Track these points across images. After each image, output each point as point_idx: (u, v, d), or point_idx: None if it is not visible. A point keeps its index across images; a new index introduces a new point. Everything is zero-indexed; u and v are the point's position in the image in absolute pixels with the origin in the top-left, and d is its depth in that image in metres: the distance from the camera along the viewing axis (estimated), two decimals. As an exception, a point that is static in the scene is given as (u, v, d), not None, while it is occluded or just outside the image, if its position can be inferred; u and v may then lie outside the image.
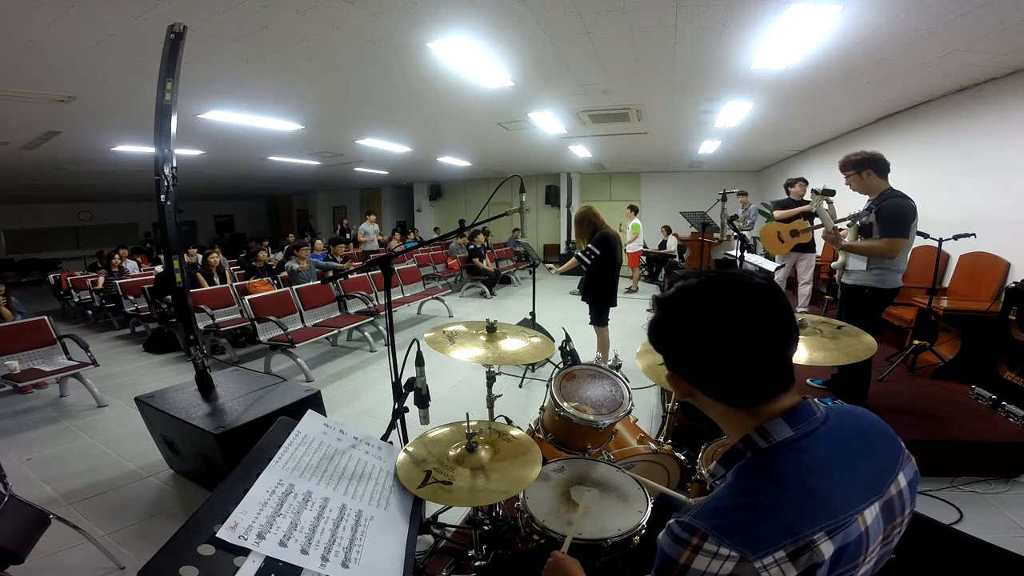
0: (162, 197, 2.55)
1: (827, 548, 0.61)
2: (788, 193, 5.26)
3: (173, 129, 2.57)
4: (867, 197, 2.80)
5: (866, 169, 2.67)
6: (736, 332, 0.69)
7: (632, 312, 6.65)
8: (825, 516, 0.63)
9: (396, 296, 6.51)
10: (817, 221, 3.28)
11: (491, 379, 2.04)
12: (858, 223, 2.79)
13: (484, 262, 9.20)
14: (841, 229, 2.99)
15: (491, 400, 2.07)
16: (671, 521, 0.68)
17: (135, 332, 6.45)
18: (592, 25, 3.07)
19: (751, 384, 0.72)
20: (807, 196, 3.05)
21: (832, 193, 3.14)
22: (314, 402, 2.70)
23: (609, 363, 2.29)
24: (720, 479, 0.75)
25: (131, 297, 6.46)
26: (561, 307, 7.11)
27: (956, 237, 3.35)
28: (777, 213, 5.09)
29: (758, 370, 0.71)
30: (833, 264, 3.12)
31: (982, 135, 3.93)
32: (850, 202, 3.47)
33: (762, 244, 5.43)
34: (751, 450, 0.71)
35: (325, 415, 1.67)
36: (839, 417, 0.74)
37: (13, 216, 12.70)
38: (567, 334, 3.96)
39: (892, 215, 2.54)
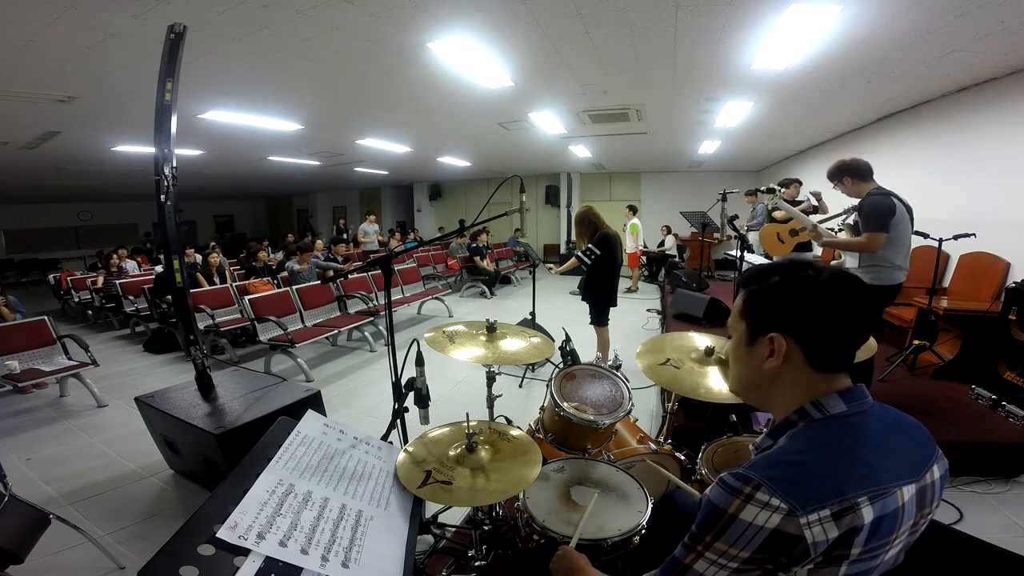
0: (162, 197, 2.55)
1: (868, 513, 0.64)
2: (783, 193, 5.28)
3: (173, 129, 2.57)
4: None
5: (844, 176, 2.79)
6: (856, 301, 0.76)
7: (632, 312, 6.65)
8: (870, 481, 0.67)
9: (396, 296, 6.51)
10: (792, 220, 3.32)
11: (491, 379, 2.04)
12: (849, 222, 2.87)
13: (484, 262, 9.20)
14: (840, 228, 3.02)
15: (491, 400, 2.07)
16: (723, 474, 0.71)
17: (135, 332, 6.45)
18: (592, 25, 3.07)
19: (843, 351, 0.78)
20: (769, 201, 3.11)
21: (773, 191, 3.16)
22: (314, 402, 2.70)
23: (609, 363, 2.29)
24: (764, 450, 0.79)
25: (131, 297, 6.46)
26: (561, 307, 7.11)
27: (956, 237, 3.35)
28: (775, 214, 5.11)
29: (853, 340, 0.78)
30: (833, 263, 3.13)
31: (982, 135, 3.93)
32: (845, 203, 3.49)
33: (766, 247, 5.44)
34: (803, 420, 0.76)
35: (325, 415, 1.67)
36: (883, 409, 0.80)
37: (13, 216, 12.70)
38: (567, 334, 3.97)
39: (869, 211, 2.66)
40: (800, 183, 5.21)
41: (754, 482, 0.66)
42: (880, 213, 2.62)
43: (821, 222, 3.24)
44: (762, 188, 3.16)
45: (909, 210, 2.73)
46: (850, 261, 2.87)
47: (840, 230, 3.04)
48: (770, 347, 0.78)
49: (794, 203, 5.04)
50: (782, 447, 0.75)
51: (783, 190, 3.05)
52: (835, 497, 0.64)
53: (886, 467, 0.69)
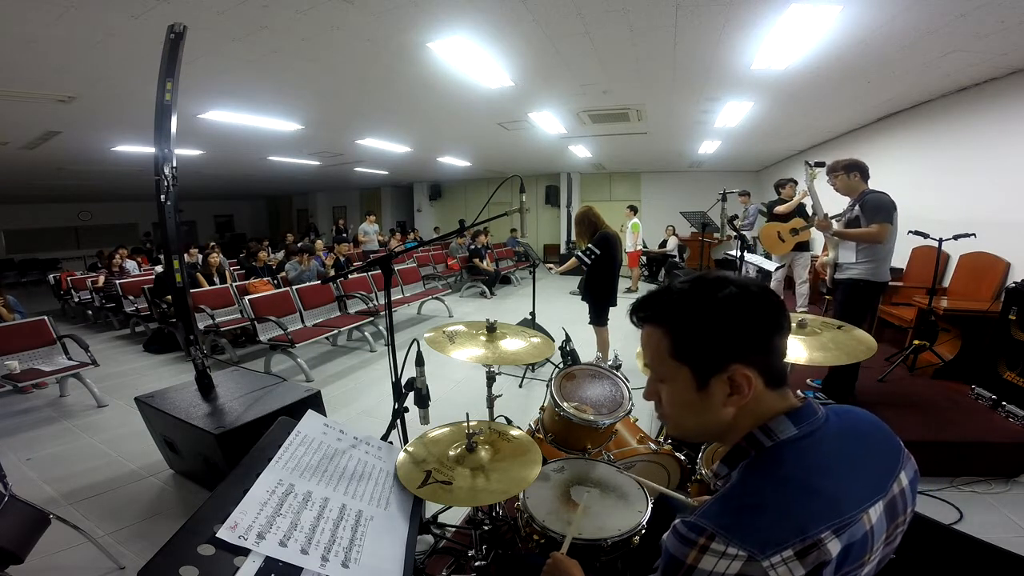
0: (162, 197, 2.55)
1: (834, 547, 0.61)
2: (779, 194, 5.29)
3: (173, 129, 2.57)
4: (847, 199, 3.01)
5: (854, 171, 2.92)
6: (774, 310, 0.71)
7: (632, 312, 6.64)
8: (831, 515, 0.63)
9: (396, 296, 6.51)
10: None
11: (491, 379, 2.04)
12: (845, 219, 2.96)
13: (484, 262, 9.20)
14: (835, 217, 3.07)
15: (491, 400, 2.07)
16: (676, 521, 0.67)
17: (135, 332, 6.45)
18: (592, 25, 3.07)
19: (782, 364, 0.74)
20: (801, 183, 3.16)
21: (823, 165, 3.17)
22: (314, 402, 2.70)
23: (609, 363, 2.29)
24: (724, 479, 0.75)
25: (131, 297, 6.46)
26: (561, 307, 7.11)
27: (956, 237, 3.35)
28: (779, 208, 5.11)
29: (783, 350, 0.73)
30: (824, 259, 3.14)
31: (982, 135, 3.93)
32: (840, 204, 3.49)
33: (765, 246, 5.45)
34: (755, 449, 0.71)
35: (325, 415, 1.67)
36: (839, 417, 0.75)
37: (13, 216, 12.70)
38: (567, 334, 3.96)
39: (875, 204, 2.78)
40: (796, 183, 5.21)
41: (707, 532, 0.62)
42: (887, 207, 2.74)
43: (809, 224, 3.28)
44: (810, 162, 3.14)
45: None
46: (846, 257, 2.90)
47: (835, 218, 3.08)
48: (730, 385, 0.70)
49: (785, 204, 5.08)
50: (734, 485, 0.70)
51: (819, 168, 3.07)
52: (796, 536, 0.60)
53: (848, 494, 0.66)
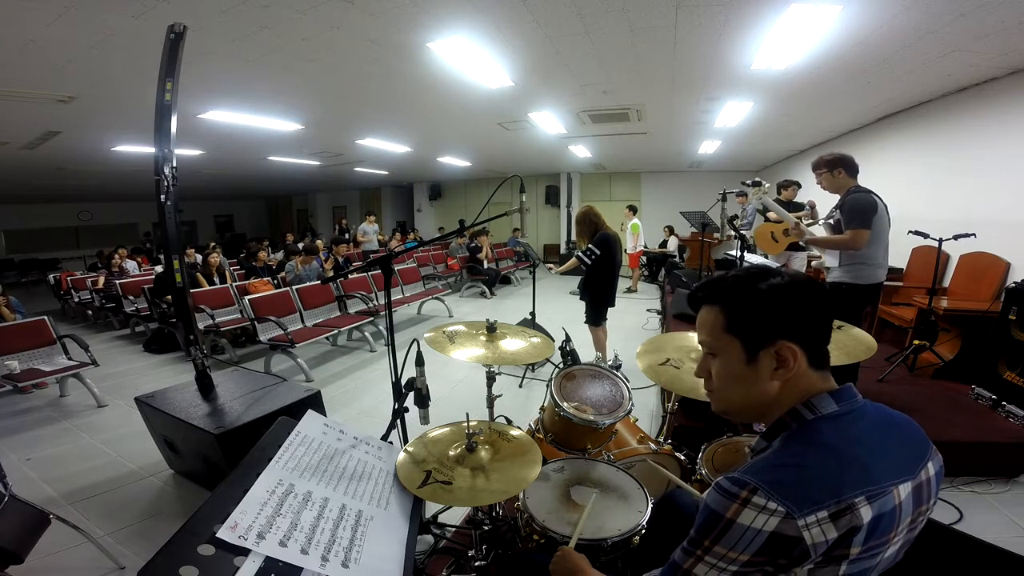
0: (162, 197, 2.55)
1: (866, 513, 0.64)
2: (779, 194, 5.26)
3: (173, 129, 2.57)
4: (839, 197, 2.88)
5: (838, 168, 2.78)
6: (824, 296, 0.80)
7: (632, 312, 6.65)
8: (866, 481, 0.66)
9: (396, 296, 6.51)
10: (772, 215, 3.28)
11: (491, 379, 2.04)
12: (831, 222, 2.88)
13: (482, 252, 9.33)
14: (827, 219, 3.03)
15: (491, 400, 2.07)
16: (719, 479, 0.71)
17: (135, 332, 6.45)
18: (592, 25, 3.07)
19: (827, 346, 0.80)
20: (753, 196, 3.03)
21: (759, 184, 3.13)
22: (314, 402, 2.70)
23: (609, 363, 2.29)
24: (760, 452, 0.79)
25: (131, 297, 6.46)
26: (561, 307, 7.11)
27: (956, 237, 3.35)
28: (770, 215, 5.10)
29: (827, 335, 0.81)
30: (814, 264, 3.13)
31: (982, 135, 3.93)
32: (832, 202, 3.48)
33: (760, 246, 5.44)
34: (796, 421, 0.76)
35: (325, 415, 1.67)
36: (874, 406, 0.80)
37: (13, 216, 12.70)
38: (567, 334, 3.96)
39: (853, 208, 2.65)
40: (799, 185, 5.20)
41: (750, 486, 0.65)
42: (863, 210, 2.62)
43: (809, 225, 3.23)
44: (747, 181, 3.08)
45: (886, 208, 2.74)
46: (829, 260, 2.87)
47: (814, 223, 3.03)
48: (776, 359, 0.76)
49: (790, 204, 5.03)
50: (776, 450, 0.75)
51: (767, 185, 3.01)
52: (832, 498, 0.64)
53: (881, 466, 0.69)
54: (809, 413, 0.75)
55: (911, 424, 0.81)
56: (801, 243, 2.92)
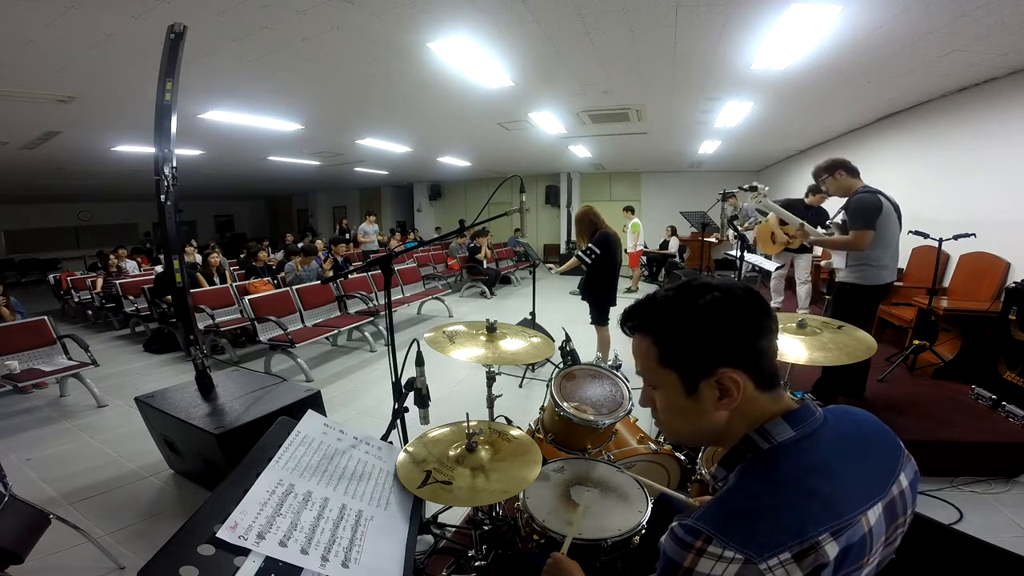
0: (162, 197, 2.55)
1: (832, 549, 0.61)
2: (805, 198, 5.10)
3: (173, 129, 2.57)
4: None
5: (837, 170, 2.81)
6: (758, 313, 0.72)
7: (632, 312, 6.63)
8: (829, 517, 0.63)
9: (396, 296, 6.51)
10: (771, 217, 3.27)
11: (491, 379, 2.04)
12: (838, 222, 2.90)
13: (481, 252, 9.36)
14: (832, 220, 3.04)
15: (491, 400, 2.07)
16: (673, 524, 0.67)
17: (135, 332, 6.45)
18: (592, 25, 3.07)
19: (774, 362, 0.74)
20: (751, 200, 3.02)
21: (755, 189, 3.13)
22: (314, 402, 2.70)
23: (609, 363, 2.29)
24: (722, 481, 0.75)
25: (131, 297, 6.46)
26: (561, 307, 7.11)
27: (956, 237, 3.35)
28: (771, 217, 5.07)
29: (772, 351, 0.74)
30: (824, 263, 3.14)
31: (982, 135, 3.93)
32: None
33: (760, 245, 5.44)
34: (752, 451, 0.71)
35: (325, 415, 1.67)
36: (837, 419, 0.75)
37: (13, 216, 12.69)
38: (567, 334, 3.96)
39: (856, 209, 2.66)
40: (826, 194, 5.03)
41: (704, 535, 0.62)
42: (867, 211, 2.62)
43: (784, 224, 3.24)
44: (743, 186, 3.10)
45: (896, 208, 2.73)
46: (837, 261, 2.88)
47: (829, 231, 3.04)
48: (718, 388, 0.71)
49: (820, 212, 4.82)
50: (731, 488, 0.70)
51: (765, 188, 3.02)
52: (794, 539, 0.60)
53: (845, 494, 0.66)
54: (764, 442, 0.70)
55: (880, 431, 0.77)
56: (805, 243, 2.93)
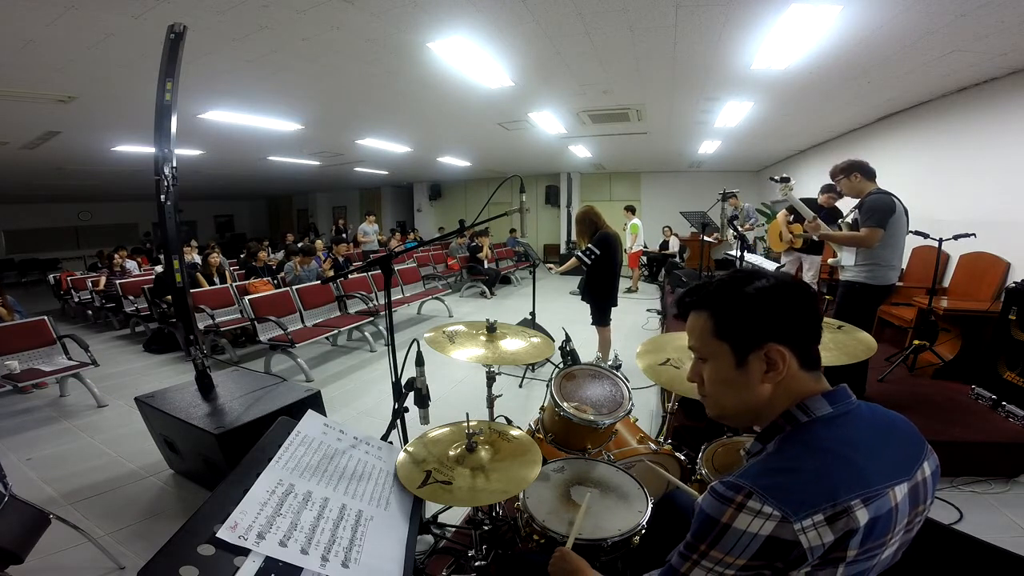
0: (162, 197, 2.55)
1: (863, 516, 0.64)
2: (818, 197, 5.08)
3: (173, 129, 2.57)
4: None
5: (854, 172, 2.85)
6: (809, 297, 0.80)
7: (632, 312, 6.64)
8: (860, 484, 0.66)
9: (396, 296, 6.51)
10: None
11: (491, 379, 2.04)
12: (849, 220, 2.92)
13: (482, 252, 9.36)
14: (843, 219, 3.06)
15: (491, 400, 2.07)
16: (714, 483, 0.70)
17: (135, 332, 6.45)
18: (592, 25, 3.07)
19: (817, 347, 0.81)
20: (780, 191, 3.11)
21: (787, 179, 3.18)
22: (314, 402, 2.70)
23: (609, 363, 2.29)
24: (756, 455, 0.79)
25: (131, 297, 6.46)
26: (561, 307, 7.11)
27: (956, 237, 3.35)
28: (780, 216, 5.09)
29: (817, 335, 0.81)
30: (830, 261, 3.15)
31: (982, 135, 3.93)
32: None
33: (768, 241, 5.44)
34: (791, 424, 0.76)
35: (325, 415, 1.67)
36: (868, 408, 0.80)
37: (13, 216, 12.69)
38: (567, 334, 3.96)
39: (870, 207, 2.71)
40: (837, 195, 5.01)
41: (745, 490, 0.65)
42: (881, 210, 2.66)
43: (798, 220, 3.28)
44: (775, 177, 3.16)
45: (906, 212, 2.77)
46: (846, 259, 2.89)
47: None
48: (766, 361, 0.77)
49: (834, 212, 4.78)
50: (771, 453, 0.75)
51: (793, 182, 3.07)
52: (827, 501, 0.64)
53: (877, 468, 0.69)
54: (803, 415, 0.75)
55: (906, 424, 0.81)
56: (815, 237, 2.98)
